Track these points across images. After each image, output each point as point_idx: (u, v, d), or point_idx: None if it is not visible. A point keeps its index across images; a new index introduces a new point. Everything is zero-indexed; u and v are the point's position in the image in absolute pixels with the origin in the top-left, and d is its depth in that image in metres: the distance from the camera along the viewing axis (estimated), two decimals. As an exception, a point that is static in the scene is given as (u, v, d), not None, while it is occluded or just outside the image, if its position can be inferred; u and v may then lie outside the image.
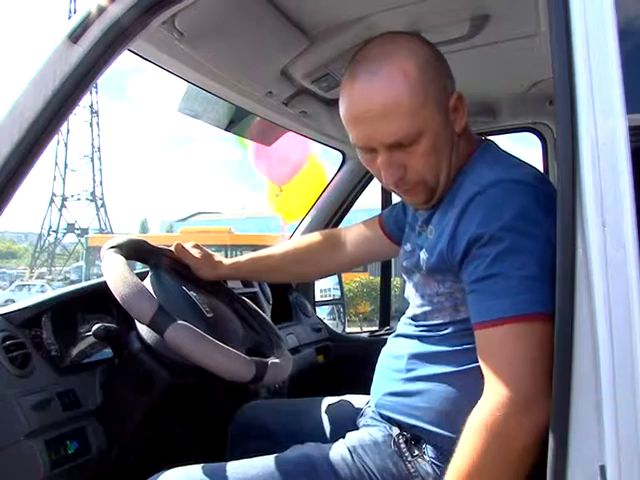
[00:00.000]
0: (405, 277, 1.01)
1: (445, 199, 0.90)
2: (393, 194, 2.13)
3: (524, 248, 0.76)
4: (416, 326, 0.96)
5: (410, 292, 0.98)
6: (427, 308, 0.92)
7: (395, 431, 0.93)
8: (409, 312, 0.99)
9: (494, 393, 0.74)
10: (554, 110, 0.66)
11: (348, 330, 2.43)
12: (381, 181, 0.92)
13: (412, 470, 0.90)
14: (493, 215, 0.78)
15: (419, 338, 0.94)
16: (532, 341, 0.74)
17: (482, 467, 0.72)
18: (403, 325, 1.00)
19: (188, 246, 1.27)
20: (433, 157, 0.86)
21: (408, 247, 1.01)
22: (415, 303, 0.96)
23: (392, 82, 0.82)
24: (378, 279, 2.45)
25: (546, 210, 0.77)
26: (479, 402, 0.75)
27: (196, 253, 1.26)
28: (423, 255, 0.90)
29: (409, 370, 0.93)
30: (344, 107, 0.87)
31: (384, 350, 1.04)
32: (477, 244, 0.79)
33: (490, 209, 0.79)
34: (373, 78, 0.83)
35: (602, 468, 0.59)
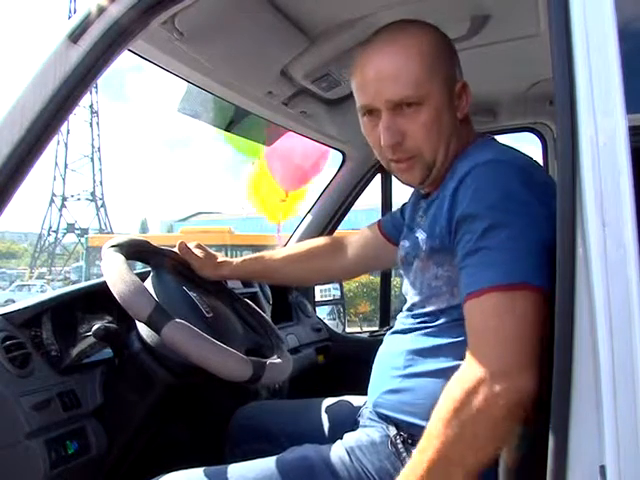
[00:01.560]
0: (403, 271, 1.01)
1: (441, 186, 0.92)
2: (393, 193, 2.15)
3: (509, 224, 0.77)
4: (413, 317, 0.96)
5: (407, 283, 0.99)
6: (425, 295, 0.93)
7: (392, 431, 0.93)
8: (406, 305, 1.00)
9: (470, 362, 0.75)
10: (554, 110, 0.66)
11: (348, 330, 2.42)
12: (379, 153, 0.94)
13: None
14: (481, 193, 0.80)
15: (415, 331, 0.94)
16: (512, 310, 0.74)
17: (454, 435, 0.72)
18: (399, 320, 1.01)
19: (191, 246, 1.27)
20: (432, 131, 0.89)
21: (406, 243, 1.02)
22: (413, 292, 0.96)
23: (405, 50, 0.89)
24: (378, 279, 2.45)
25: (534, 192, 0.79)
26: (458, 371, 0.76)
27: (199, 253, 1.27)
28: (422, 237, 0.92)
29: (407, 366, 0.93)
30: (357, 71, 0.92)
31: (381, 349, 1.04)
32: (466, 222, 0.81)
33: (479, 187, 0.81)
34: (388, 44, 0.90)
35: (602, 468, 0.59)
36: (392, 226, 1.23)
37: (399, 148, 0.90)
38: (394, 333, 1.01)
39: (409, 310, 0.98)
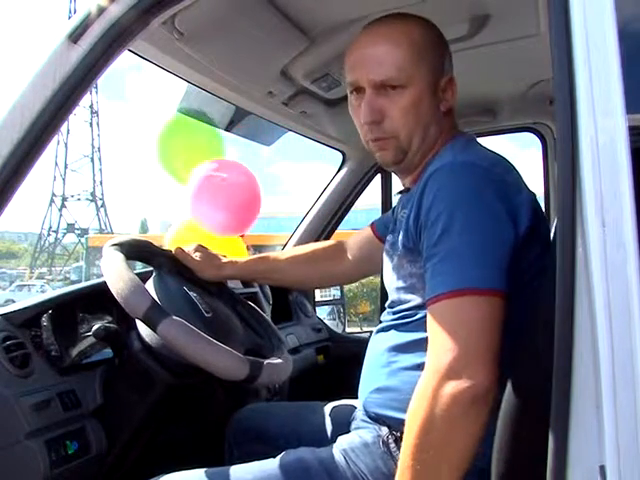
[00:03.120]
0: (385, 266, 1.02)
1: (417, 183, 0.93)
2: (393, 193, 2.14)
3: (465, 228, 0.80)
4: (393, 314, 0.97)
5: (387, 279, 1.00)
6: (402, 291, 0.94)
7: (384, 431, 0.94)
8: (387, 302, 1.01)
9: (427, 364, 0.79)
10: (554, 110, 0.66)
11: (348, 330, 2.42)
12: (362, 133, 0.98)
13: None
14: (440, 198, 0.82)
15: (396, 327, 0.95)
16: (467, 314, 0.77)
17: (425, 436, 0.75)
18: (382, 318, 1.02)
19: (191, 247, 1.27)
20: (410, 114, 0.92)
21: (390, 238, 1.04)
22: (392, 287, 0.98)
23: (395, 34, 0.92)
24: (378, 279, 2.45)
25: (496, 193, 0.81)
26: None
27: (199, 255, 1.25)
28: (399, 234, 0.94)
29: (390, 363, 0.94)
30: (349, 51, 0.96)
31: (367, 350, 1.05)
32: (427, 226, 0.83)
33: (438, 191, 0.83)
34: (380, 28, 0.94)
35: (602, 468, 0.59)
36: (384, 226, 1.24)
37: (377, 127, 0.94)
38: (378, 332, 1.02)
39: (390, 307, 0.99)
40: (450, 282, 0.79)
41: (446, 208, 0.81)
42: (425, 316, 0.88)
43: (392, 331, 0.96)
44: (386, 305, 1.01)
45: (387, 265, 1.01)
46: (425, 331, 0.87)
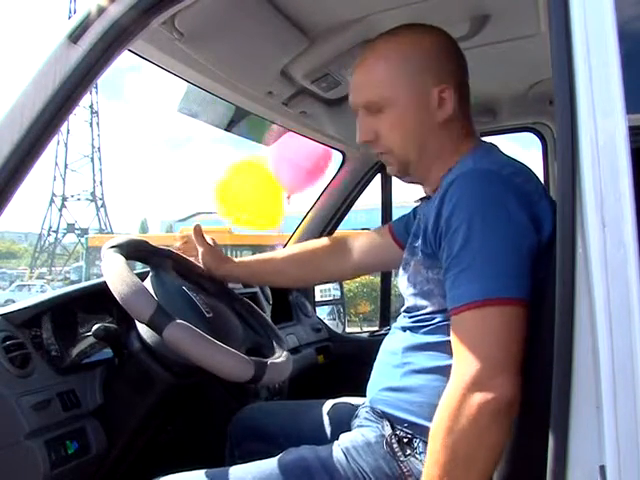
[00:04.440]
0: (402, 272, 1.02)
1: (437, 190, 0.93)
2: (393, 193, 2.15)
3: (486, 237, 0.79)
4: (410, 317, 0.97)
5: (403, 285, 1.00)
6: (419, 297, 0.94)
7: (387, 431, 0.94)
8: (403, 307, 1.01)
9: (452, 375, 0.78)
10: (554, 110, 0.66)
11: (348, 330, 2.42)
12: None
13: (405, 470, 0.90)
14: (460, 206, 0.82)
15: (412, 329, 0.95)
16: (489, 325, 0.77)
17: (452, 447, 0.75)
18: (399, 320, 1.02)
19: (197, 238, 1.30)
20: (397, 132, 0.95)
21: (409, 244, 1.03)
22: (408, 293, 0.97)
23: (375, 58, 0.96)
24: (378, 279, 2.44)
25: (518, 201, 0.81)
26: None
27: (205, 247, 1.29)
28: (418, 241, 0.95)
29: (405, 364, 0.94)
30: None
31: (381, 347, 1.05)
32: (447, 235, 0.83)
33: (458, 200, 0.83)
34: (364, 55, 0.98)
35: (602, 468, 0.59)
36: (404, 230, 1.22)
37: (375, 144, 0.98)
38: (394, 331, 1.03)
39: (406, 312, 0.99)
40: (473, 292, 0.78)
41: (467, 217, 0.81)
42: (442, 320, 0.89)
43: (408, 332, 0.96)
44: (402, 310, 1.01)
45: (404, 271, 1.00)
46: (441, 335, 0.88)
